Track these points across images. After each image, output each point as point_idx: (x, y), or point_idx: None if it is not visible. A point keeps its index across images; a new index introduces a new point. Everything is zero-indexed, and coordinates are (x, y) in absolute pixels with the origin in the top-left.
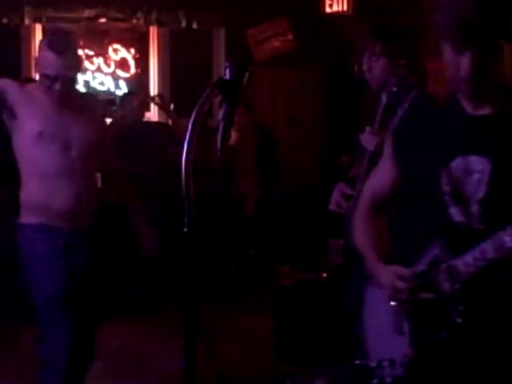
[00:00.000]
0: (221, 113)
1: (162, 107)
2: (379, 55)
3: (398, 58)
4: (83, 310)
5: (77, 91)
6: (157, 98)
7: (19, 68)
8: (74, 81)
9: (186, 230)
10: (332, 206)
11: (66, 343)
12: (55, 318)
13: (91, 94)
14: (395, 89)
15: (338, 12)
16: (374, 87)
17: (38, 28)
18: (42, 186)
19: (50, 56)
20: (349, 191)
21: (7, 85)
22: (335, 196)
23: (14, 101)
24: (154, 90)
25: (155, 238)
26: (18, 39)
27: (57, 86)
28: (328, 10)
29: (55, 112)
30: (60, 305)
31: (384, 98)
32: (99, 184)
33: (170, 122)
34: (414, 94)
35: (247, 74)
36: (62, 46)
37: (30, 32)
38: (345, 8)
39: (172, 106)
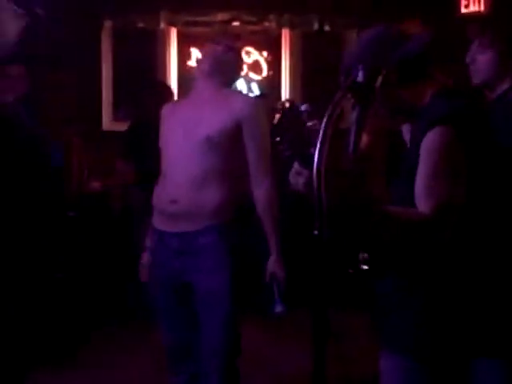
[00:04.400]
0: (353, 116)
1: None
2: (487, 47)
3: (507, 57)
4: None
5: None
6: (286, 103)
7: (154, 73)
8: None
9: (316, 233)
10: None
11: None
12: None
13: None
14: None
15: (474, 13)
16: (476, 81)
17: (173, 32)
18: None
19: None
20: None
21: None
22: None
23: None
24: (285, 92)
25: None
26: (153, 43)
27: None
28: (464, 10)
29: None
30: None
31: None
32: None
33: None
34: None
35: (380, 77)
36: None
37: (166, 36)
38: (481, 8)
39: (304, 107)
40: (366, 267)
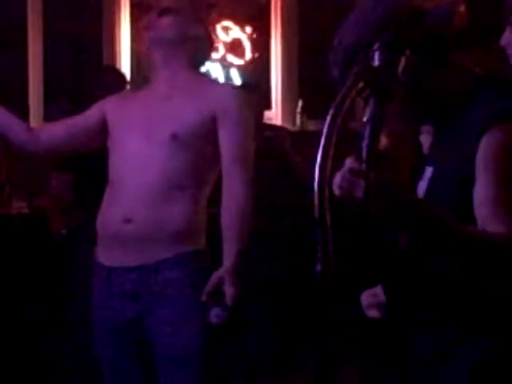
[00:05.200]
0: (367, 111)
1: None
2: None
3: None
4: None
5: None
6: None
7: (100, 55)
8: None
9: (319, 267)
10: None
11: None
12: None
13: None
14: None
15: None
16: None
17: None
18: None
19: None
20: None
21: None
22: None
23: None
24: (276, 81)
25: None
26: (98, 14)
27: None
28: None
29: None
30: None
31: None
32: None
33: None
34: None
35: (403, 59)
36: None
37: (114, 5)
38: None
39: (300, 104)
40: (374, 314)
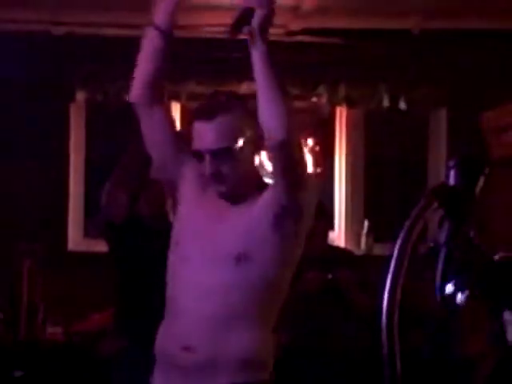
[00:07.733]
0: (441, 235)
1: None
2: None
3: None
4: None
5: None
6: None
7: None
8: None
9: None
10: None
11: None
12: None
13: None
14: None
15: None
16: None
17: (176, 108)
18: None
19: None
20: None
21: None
22: None
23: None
24: (339, 198)
25: None
26: None
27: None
28: None
29: None
30: None
31: None
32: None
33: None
34: None
35: (482, 179)
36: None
37: None
38: None
39: (366, 225)
40: None
